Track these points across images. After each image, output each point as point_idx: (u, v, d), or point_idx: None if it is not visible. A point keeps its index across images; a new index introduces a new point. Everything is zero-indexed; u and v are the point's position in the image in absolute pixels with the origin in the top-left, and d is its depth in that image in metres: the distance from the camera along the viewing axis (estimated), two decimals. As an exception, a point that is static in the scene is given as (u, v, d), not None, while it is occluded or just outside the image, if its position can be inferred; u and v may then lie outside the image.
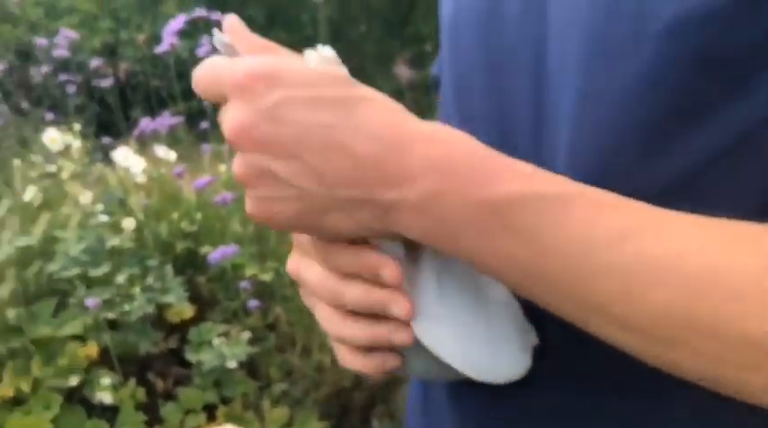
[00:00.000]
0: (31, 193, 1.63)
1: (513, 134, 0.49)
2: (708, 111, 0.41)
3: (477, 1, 0.52)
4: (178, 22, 1.85)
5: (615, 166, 0.44)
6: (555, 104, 0.47)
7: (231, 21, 0.47)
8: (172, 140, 2.12)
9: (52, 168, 1.55)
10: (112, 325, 1.80)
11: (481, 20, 0.51)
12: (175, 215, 2.19)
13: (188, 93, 2.81)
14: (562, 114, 0.46)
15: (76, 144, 1.59)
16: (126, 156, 1.67)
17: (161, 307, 1.91)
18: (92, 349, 1.82)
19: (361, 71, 3.88)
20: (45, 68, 2.46)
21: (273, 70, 0.40)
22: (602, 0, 0.43)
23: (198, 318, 1.96)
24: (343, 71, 0.44)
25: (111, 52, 3.56)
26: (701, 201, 0.41)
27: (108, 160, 2.21)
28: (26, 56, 3.50)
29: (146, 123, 1.81)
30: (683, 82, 0.41)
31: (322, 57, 0.44)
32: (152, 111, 2.54)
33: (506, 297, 0.48)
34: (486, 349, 0.45)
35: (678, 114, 0.42)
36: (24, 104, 2.61)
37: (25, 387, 1.74)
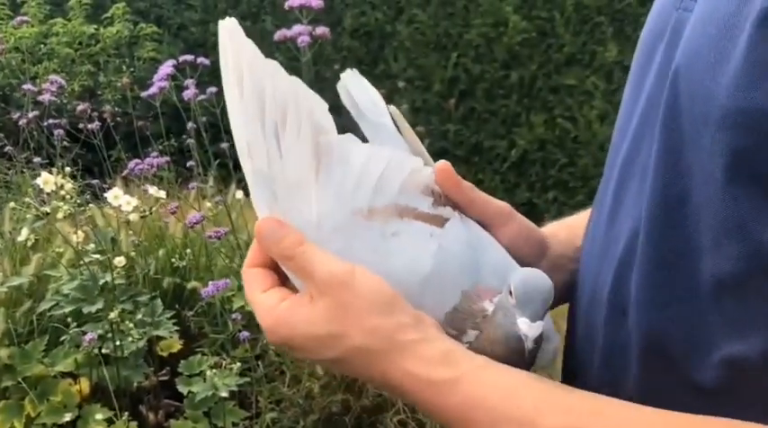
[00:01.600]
0: (24, 234, 1.68)
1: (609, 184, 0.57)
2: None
3: (636, 67, 0.58)
4: (167, 67, 1.93)
5: (684, 238, 0.46)
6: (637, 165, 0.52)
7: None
8: (157, 179, 2.18)
9: (46, 209, 1.60)
10: (104, 361, 1.84)
11: (635, 76, 0.57)
12: (162, 252, 2.24)
13: (170, 132, 2.88)
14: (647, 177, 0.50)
15: (68, 185, 1.65)
16: (116, 196, 1.73)
17: (150, 341, 1.95)
18: (84, 385, 1.86)
19: (336, 109, 3.97)
20: (31, 113, 2.52)
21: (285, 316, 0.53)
22: (684, 81, 0.46)
23: (186, 351, 2.00)
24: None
25: (91, 95, 3.63)
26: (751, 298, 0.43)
27: (95, 200, 2.26)
28: (5, 100, 3.55)
29: (134, 163, 1.87)
30: (739, 176, 0.42)
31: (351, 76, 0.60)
32: (135, 151, 2.60)
33: None
34: None
35: (737, 210, 0.43)
36: (8, 148, 2.66)
37: (18, 425, 1.77)
